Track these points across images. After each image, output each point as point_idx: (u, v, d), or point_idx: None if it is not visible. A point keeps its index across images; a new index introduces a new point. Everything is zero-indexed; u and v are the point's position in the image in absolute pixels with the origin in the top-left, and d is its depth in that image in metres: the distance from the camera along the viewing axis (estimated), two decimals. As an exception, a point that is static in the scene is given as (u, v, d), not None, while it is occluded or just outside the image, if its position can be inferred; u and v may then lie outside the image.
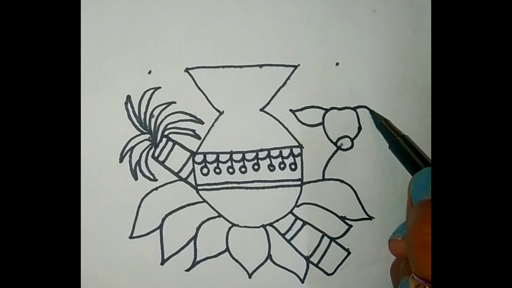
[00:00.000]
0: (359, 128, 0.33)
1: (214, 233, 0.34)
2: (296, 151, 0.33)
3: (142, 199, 0.33)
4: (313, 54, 0.33)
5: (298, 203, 0.34)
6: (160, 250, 0.33)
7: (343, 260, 0.34)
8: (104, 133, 0.33)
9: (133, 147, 0.33)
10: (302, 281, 0.34)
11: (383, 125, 0.32)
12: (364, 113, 0.33)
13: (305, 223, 0.34)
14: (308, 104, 0.33)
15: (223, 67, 0.33)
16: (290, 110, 0.33)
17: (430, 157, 0.29)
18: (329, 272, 0.34)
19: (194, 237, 0.34)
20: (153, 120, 0.33)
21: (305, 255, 0.34)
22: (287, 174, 0.33)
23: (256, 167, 0.33)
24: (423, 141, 0.32)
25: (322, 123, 0.33)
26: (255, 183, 0.33)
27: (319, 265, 0.34)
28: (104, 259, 0.33)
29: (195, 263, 0.34)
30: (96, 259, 0.33)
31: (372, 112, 0.33)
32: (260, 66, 0.33)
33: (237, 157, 0.33)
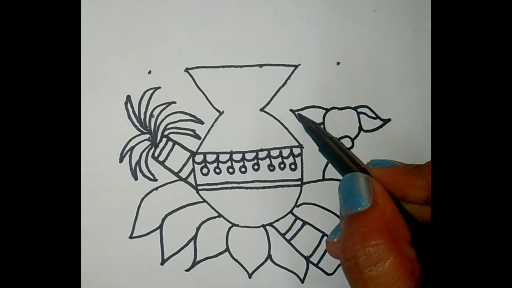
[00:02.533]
0: (359, 128, 0.33)
1: (214, 233, 0.34)
2: (296, 151, 0.33)
3: (142, 199, 0.33)
4: (313, 53, 0.33)
5: (298, 203, 0.34)
6: (160, 250, 0.33)
7: (343, 260, 0.34)
8: (104, 133, 0.33)
9: (133, 147, 0.33)
10: (302, 281, 0.34)
11: (312, 128, 0.32)
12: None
13: (305, 223, 0.34)
14: (308, 104, 0.33)
15: (223, 67, 0.33)
16: (290, 110, 0.33)
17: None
18: (329, 272, 0.34)
19: (194, 237, 0.34)
20: (153, 120, 0.33)
21: (305, 255, 0.34)
22: (287, 174, 0.33)
23: (256, 167, 0.33)
24: (423, 141, 0.32)
25: (323, 123, 0.33)
26: (255, 183, 0.33)
27: (319, 265, 0.34)
28: (104, 259, 0.33)
29: (195, 263, 0.34)
30: (96, 259, 0.33)
31: (300, 116, 0.33)
32: (260, 66, 0.33)
33: (237, 157, 0.33)
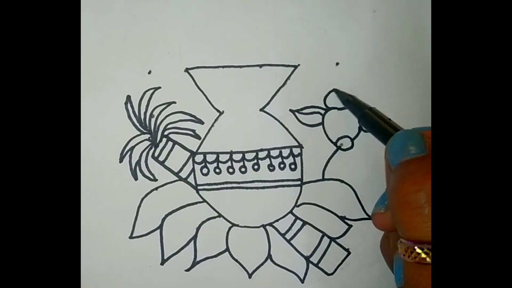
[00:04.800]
0: (359, 128, 0.33)
1: (214, 233, 0.34)
2: (296, 151, 0.33)
3: (142, 199, 0.33)
4: (313, 54, 0.33)
5: (298, 203, 0.34)
6: (160, 250, 0.33)
7: (343, 260, 0.34)
8: (104, 133, 0.33)
9: (133, 147, 0.33)
10: (302, 281, 0.34)
11: (349, 101, 0.32)
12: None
13: (305, 223, 0.34)
14: (308, 104, 0.33)
15: (223, 67, 0.33)
16: (290, 110, 0.33)
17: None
18: (329, 272, 0.34)
19: (194, 237, 0.34)
20: (153, 120, 0.33)
21: (305, 255, 0.34)
22: (287, 174, 0.33)
23: (256, 167, 0.33)
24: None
25: (322, 123, 0.33)
26: (255, 183, 0.33)
27: (319, 265, 0.34)
28: (104, 259, 0.33)
29: (195, 263, 0.34)
30: (96, 259, 0.33)
31: (337, 91, 0.33)
32: (260, 66, 0.33)
33: (237, 157, 0.33)
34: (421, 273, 0.22)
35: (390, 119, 0.29)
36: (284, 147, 0.33)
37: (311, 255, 0.34)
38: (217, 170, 0.33)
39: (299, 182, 0.33)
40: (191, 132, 0.33)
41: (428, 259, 0.21)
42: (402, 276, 0.23)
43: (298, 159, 0.33)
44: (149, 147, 0.33)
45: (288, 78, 0.33)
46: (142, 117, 0.33)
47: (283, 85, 0.33)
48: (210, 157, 0.33)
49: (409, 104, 0.33)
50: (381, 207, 0.26)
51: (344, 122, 0.33)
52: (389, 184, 0.24)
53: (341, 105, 0.33)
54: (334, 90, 0.33)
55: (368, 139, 0.33)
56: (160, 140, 0.33)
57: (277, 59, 0.33)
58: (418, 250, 0.22)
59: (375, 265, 0.34)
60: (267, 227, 0.34)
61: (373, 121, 0.29)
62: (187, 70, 0.33)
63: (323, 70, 0.33)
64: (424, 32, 0.33)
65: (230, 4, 0.33)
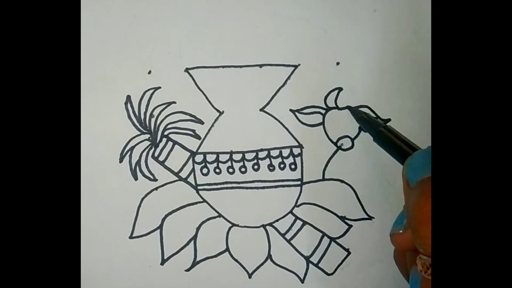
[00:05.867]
0: (359, 128, 0.33)
1: (214, 233, 0.34)
2: (296, 151, 0.33)
3: (142, 199, 0.33)
4: (313, 54, 0.33)
5: (298, 203, 0.34)
6: (160, 250, 0.33)
7: (343, 260, 0.34)
8: (104, 133, 0.33)
9: (133, 147, 0.33)
10: (302, 281, 0.34)
11: (364, 118, 0.32)
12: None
13: (305, 223, 0.34)
14: (308, 104, 0.33)
15: (223, 67, 0.33)
16: (290, 110, 0.33)
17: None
18: (329, 272, 0.34)
19: (194, 237, 0.34)
20: (153, 120, 0.33)
21: (305, 255, 0.34)
22: (287, 174, 0.33)
23: (256, 167, 0.33)
24: (423, 141, 0.32)
25: (322, 123, 0.33)
26: (255, 183, 0.33)
27: (319, 265, 0.34)
28: (104, 259, 0.33)
29: (195, 263, 0.34)
30: (96, 259, 0.33)
31: (350, 109, 0.33)
32: (260, 66, 0.33)
33: (237, 157, 0.33)
34: None
35: (405, 137, 0.29)
36: (284, 147, 0.33)
37: (311, 255, 0.34)
38: (217, 170, 0.33)
39: (299, 182, 0.33)
40: (191, 132, 0.33)
41: None
42: None
43: (298, 159, 0.33)
44: (149, 147, 0.33)
45: (288, 78, 0.33)
46: (142, 117, 0.33)
47: (283, 85, 0.33)
48: (210, 157, 0.33)
49: (409, 104, 0.33)
50: (399, 227, 0.26)
51: (344, 122, 0.33)
52: (409, 202, 0.25)
53: (341, 105, 0.33)
54: (348, 107, 0.33)
55: (368, 139, 0.33)
56: (160, 140, 0.33)
57: (277, 59, 0.33)
58: None
59: (375, 265, 0.34)
60: (267, 227, 0.34)
61: (389, 140, 0.30)
62: (187, 70, 0.33)
63: (323, 70, 0.33)
64: (424, 32, 0.33)
65: (230, 4, 0.33)
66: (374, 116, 0.33)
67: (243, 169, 0.33)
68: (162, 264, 0.34)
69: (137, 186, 0.33)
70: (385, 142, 0.30)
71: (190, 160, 0.33)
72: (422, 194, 0.23)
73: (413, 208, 0.23)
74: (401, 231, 0.25)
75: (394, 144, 0.29)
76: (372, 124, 0.31)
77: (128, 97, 0.33)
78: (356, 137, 0.34)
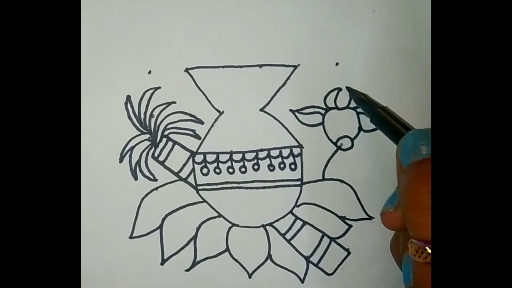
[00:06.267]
0: (359, 128, 0.33)
1: (214, 233, 0.34)
2: (296, 151, 0.33)
3: (142, 199, 0.33)
4: (313, 54, 0.33)
5: (298, 203, 0.34)
6: (160, 250, 0.33)
7: (343, 260, 0.34)
8: (104, 133, 0.33)
9: (133, 147, 0.33)
10: (302, 281, 0.34)
11: (362, 99, 0.32)
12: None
13: (305, 223, 0.34)
14: (308, 104, 0.33)
15: (223, 67, 0.33)
16: (290, 110, 0.33)
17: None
18: (329, 272, 0.34)
19: (194, 237, 0.34)
20: (153, 120, 0.33)
21: (305, 255, 0.34)
22: (287, 174, 0.33)
23: (256, 167, 0.33)
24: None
25: (322, 123, 0.33)
26: (255, 183, 0.33)
27: (319, 265, 0.34)
28: (104, 259, 0.33)
29: (195, 263, 0.34)
30: (96, 259, 0.33)
31: (349, 89, 0.33)
32: (260, 66, 0.33)
33: (237, 157, 0.33)
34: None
35: (402, 119, 0.29)
36: (284, 147, 0.33)
37: (311, 255, 0.34)
38: (217, 170, 0.33)
39: (299, 182, 0.33)
40: (191, 132, 0.33)
41: None
42: (412, 276, 0.23)
43: (298, 159, 0.33)
44: (149, 147, 0.33)
45: (288, 78, 0.33)
46: (142, 117, 0.33)
47: (283, 85, 0.33)
48: (210, 157, 0.33)
49: (409, 104, 0.33)
50: (390, 206, 0.26)
51: (344, 122, 0.33)
52: (400, 184, 0.24)
53: (341, 105, 0.33)
54: (347, 87, 0.33)
55: (368, 139, 0.33)
56: (160, 140, 0.33)
57: (277, 59, 0.33)
58: (429, 250, 0.22)
59: (375, 265, 0.34)
60: (267, 227, 0.34)
61: (385, 120, 0.30)
62: (187, 70, 0.33)
63: (323, 70, 0.33)
64: (424, 32, 0.33)
65: (230, 4, 0.33)
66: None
67: (243, 169, 0.33)
68: (162, 264, 0.34)
69: (137, 186, 0.33)
70: (382, 122, 0.30)
71: (190, 160, 0.33)
72: (412, 179, 0.23)
73: (403, 192, 0.23)
74: (391, 210, 0.25)
75: (390, 125, 0.29)
76: (370, 105, 0.31)
77: (128, 97, 0.33)
78: (356, 137, 0.34)
